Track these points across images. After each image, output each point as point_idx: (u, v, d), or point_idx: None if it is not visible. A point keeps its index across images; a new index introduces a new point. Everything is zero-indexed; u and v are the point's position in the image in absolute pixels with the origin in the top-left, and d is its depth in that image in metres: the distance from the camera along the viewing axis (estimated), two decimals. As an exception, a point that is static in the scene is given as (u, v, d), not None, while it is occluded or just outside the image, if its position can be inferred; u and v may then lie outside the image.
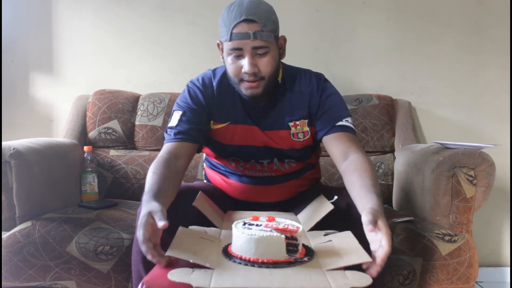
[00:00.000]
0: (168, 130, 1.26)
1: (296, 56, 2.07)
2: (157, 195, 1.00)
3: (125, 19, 2.13)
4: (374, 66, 2.13)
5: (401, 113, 1.99)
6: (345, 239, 0.96)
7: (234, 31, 1.15)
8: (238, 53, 1.17)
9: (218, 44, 1.25)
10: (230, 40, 1.16)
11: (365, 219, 0.90)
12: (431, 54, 2.11)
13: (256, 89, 1.21)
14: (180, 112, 1.26)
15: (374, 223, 0.89)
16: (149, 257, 0.88)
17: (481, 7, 2.10)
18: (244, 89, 1.22)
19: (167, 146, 1.22)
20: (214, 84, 1.31)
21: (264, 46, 1.16)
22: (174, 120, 1.26)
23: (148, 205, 0.95)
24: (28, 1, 2.12)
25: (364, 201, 1.00)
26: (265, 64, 1.18)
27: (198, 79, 1.33)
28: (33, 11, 2.12)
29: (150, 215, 0.91)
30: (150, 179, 1.08)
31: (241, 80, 1.21)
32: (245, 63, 1.17)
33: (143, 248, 0.88)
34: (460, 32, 2.10)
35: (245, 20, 1.14)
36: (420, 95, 2.12)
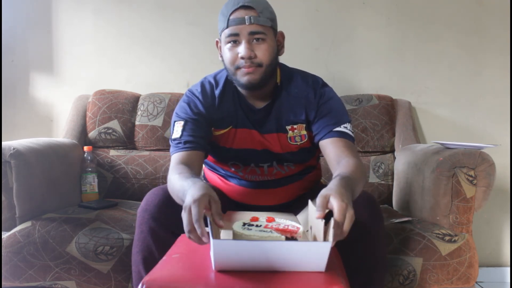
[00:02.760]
0: (174, 141, 1.23)
1: (296, 56, 2.07)
2: (202, 182, 0.97)
3: (125, 19, 2.13)
4: (374, 66, 2.13)
5: (401, 113, 1.99)
6: (316, 220, 0.95)
7: (231, 17, 1.17)
8: (235, 38, 1.18)
9: (216, 42, 1.25)
10: (227, 27, 1.18)
11: (316, 203, 0.88)
12: (431, 54, 2.11)
13: (253, 75, 1.19)
14: (182, 122, 1.24)
15: (322, 208, 0.87)
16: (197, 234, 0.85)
17: (481, 7, 2.10)
18: (241, 76, 1.20)
19: (177, 157, 1.19)
20: (216, 93, 1.29)
21: (261, 31, 1.17)
22: (177, 131, 1.23)
23: (202, 186, 0.91)
24: (28, 1, 2.12)
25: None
26: (262, 51, 1.18)
27: (197, 88, 1.31)
28: (33, 12, 2.12)
29: (209, 198, 0.89)
30: (181, 176, 1.05)
31: (238, 68, 1.20)
32: (241, 48, 1.17)
33: (196, 227, 0.84)
34: (460, 32, 2.10)
35: (242, 7, 1.17)
36: (420, 95, 2.12)
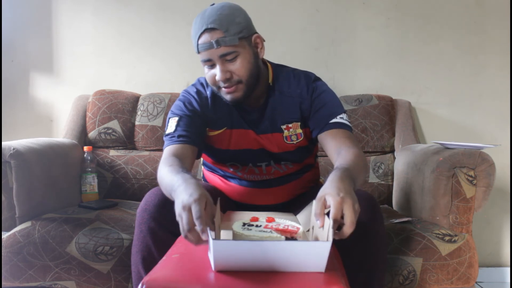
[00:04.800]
0: (167, 136, 1.24)
1: (296, 56, 2.08)
2: (194, 179, 0.97)
3: (125, 20, 2.13)
4: (374, 66, 2.13)
5: (401, 113, 1.99)
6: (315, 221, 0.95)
7: (199, 42, 1.16)
8: (210, 63, 1.18)
9: None
10: (199, 52, 1.17)
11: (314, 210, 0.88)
12: (431, 54, 2.11)
13: (236, 94, 1.20)
14: (177, 118, 1.25)
15: (321, 215, 0.87)
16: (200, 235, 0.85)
17: (480, 7, 2.10)
18: (224, 94, 1.21)
19: (169, 149, 1.20)
20: (208, 92, 1.30)
21: (231, 51, 1.15)
22: (171, 126, 1.24)
23: (198, 185, 0.91)
24: (28, 1, 2.12)
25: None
26: (238, 68, 1.17)
27: (192, 88, 1.32)
28: (33, 11, 2.12)
29: (207, 200, 0.88)
30: (171, 168, 1.04)
31: (219, 87, 1.21)
32: (216, 72, 1.17)
33: (198, 223, 0.84)
34: (460, 32, 2.10)
35: (206, 30, 1.14)
36: (420, 95, 2.12)
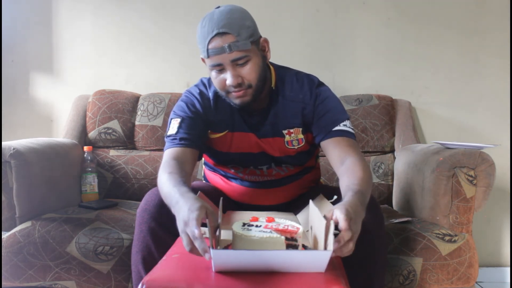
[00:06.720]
0: (169, 137, 1.23)
1: (296, 56, 2.08)
2: (191, 193, 0.96)
3: (125, 19, 2.13)
4: (374, 66, 2.13)
5: (401, 113, 1.99)
6: (317, 221, 0.95)
7: (210, 47, 1.13)
8: (219, 68, 1.16)
9: (202, 59, 1.22)
10: (208, 57, 1.15)
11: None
12: (431, 54, 2.11)
13: (245, 98, 1.19)
14: (179, 120, 1.24)
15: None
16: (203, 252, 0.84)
17: (481, 7, 2.10)
18: (233, 98, 1.20)
19: (170, 152, 1.19)
20: (210, 94, 1.29)
21: (243, 56, 1.14)
22: (173, 128, 1.23)
23: (195, 199, 0.90)
24: (28, 1, 2.12)
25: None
26: (249, 72, 1.16)
27: (195, 89, 1.31)
28: (33, 11, 2.12)
29: (205, 210, 0.87)
30: (170, 176, 1.04)
31: (228, 92, 1.19)
32: (227, 76, 1.15)
33: (197, 244, 0.83)
34: (460, 32, 2.10)
35: (218, 34, 1.12)
36: (420, 95, 2.12)
